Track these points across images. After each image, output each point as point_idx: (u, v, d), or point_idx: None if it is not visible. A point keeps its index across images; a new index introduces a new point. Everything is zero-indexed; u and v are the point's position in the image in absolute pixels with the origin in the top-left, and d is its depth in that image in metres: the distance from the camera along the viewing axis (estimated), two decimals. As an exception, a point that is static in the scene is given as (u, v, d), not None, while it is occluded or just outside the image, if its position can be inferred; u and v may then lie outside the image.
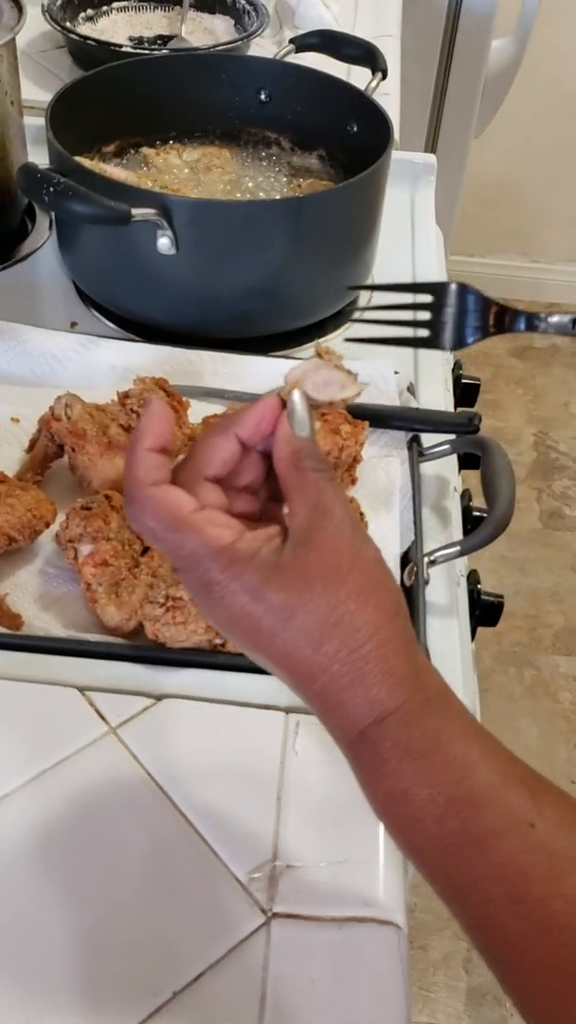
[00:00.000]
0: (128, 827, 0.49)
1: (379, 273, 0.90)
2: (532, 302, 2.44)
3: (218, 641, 0.56)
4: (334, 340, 0.85)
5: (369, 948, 0.45)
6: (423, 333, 0.62)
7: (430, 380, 0.81)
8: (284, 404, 0.41)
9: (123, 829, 0.48)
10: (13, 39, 0.84)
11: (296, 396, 0.41)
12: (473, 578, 0.70)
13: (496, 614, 0.72)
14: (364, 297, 0.88)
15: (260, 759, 0.52)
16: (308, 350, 0.83)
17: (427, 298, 0.65)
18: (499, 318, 0.60)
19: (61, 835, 0.48)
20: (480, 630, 0.70)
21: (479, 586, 0.69)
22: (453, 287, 0.66)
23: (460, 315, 0.70)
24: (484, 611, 0.71)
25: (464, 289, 0.67)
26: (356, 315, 0.73)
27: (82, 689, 0.54)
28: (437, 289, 0.67)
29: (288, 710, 0.54)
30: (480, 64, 1.61)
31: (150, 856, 0.47)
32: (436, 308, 0.67)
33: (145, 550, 0.61)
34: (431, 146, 1.65)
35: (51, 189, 0.70)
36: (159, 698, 0.54)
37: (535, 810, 0.36)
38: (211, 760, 0.52)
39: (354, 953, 0.44)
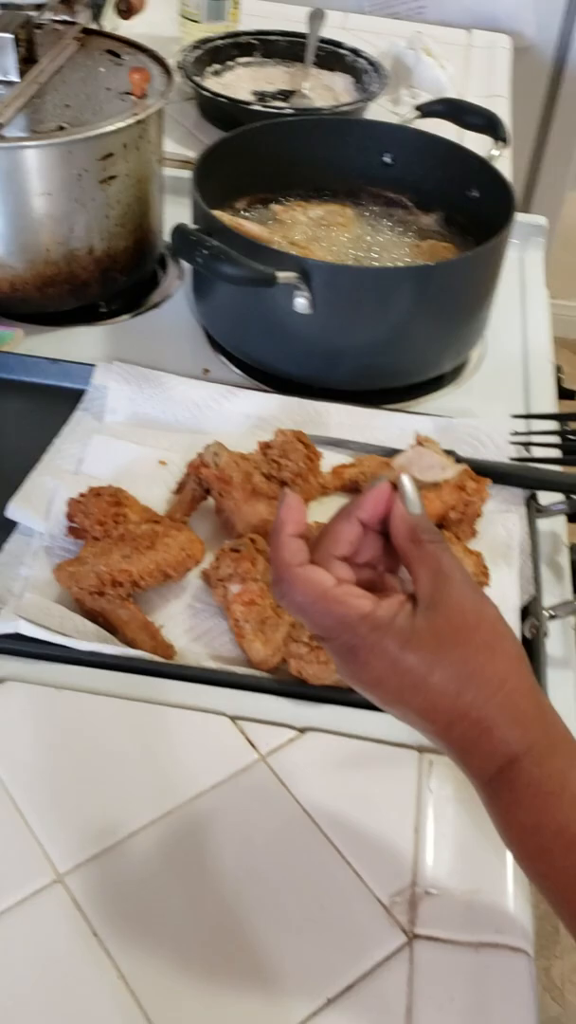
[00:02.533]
0: (279, 848, 0.53)
1: (492, 331, 0.95)
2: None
3: (355, 680, 0.61)
4: (449, 395, 0.90)
5: (502, 971, 0.49)
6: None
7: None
8: (395, 487, 0.47)
9: (275, 849, 0.53)
10: (162, 107, 0.90)
11: (406, 480, 0.47)
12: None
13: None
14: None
15: (397, 793, 0.56)
16: (423, 403, 0.88)
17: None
18: None
19: (218, 852, 0.53)
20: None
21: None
22: None
23: None
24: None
25: None
26: (516, 439, 0.82)
27: (234, 718, 0.59)
28: None
29: (421, 749, 0.58)
30: (580, 118, 1.65)
31: (301, 876, 0.52)
32: None
33: (286, 591, 0.66)
34: (527, 196, 1.69)
35: (204, 252, 0.76)
36: (303, 730, 0.59)
37: None
38: (352, 791, 0.56)
39: (489, 976, 0.49)
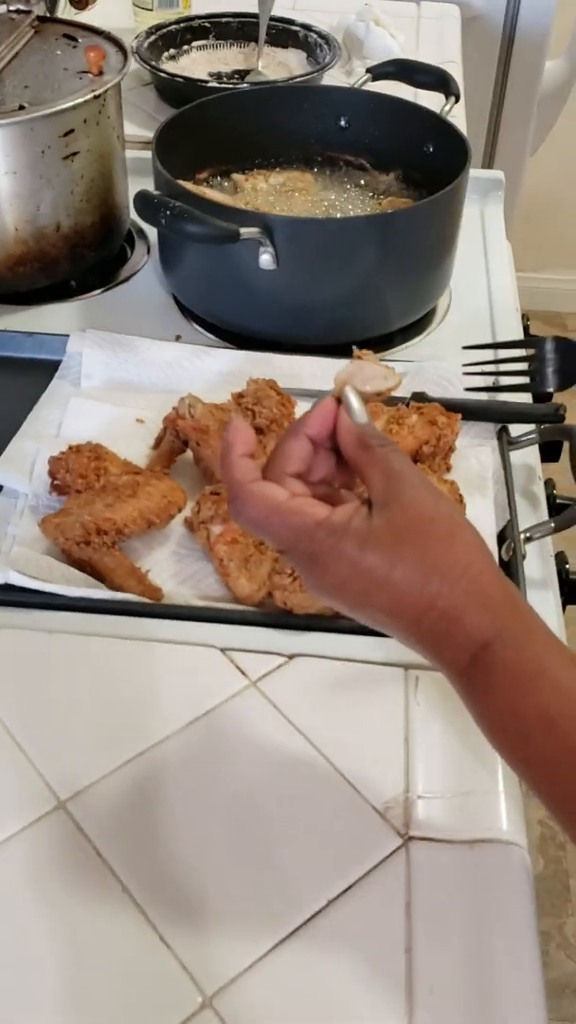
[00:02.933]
0: (274, 766, 0.55)
1: (456, 282, 0.97)
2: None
3: (339, 608, 0.63)
4: (418, 344, 0.92)
5: (497, 865, 0.51)
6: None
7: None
8: (339, 402, 0.48)
9: (270, 767, 0.55)
10: (119, 82, 0.92)
11: (348, 391, 0.48)
12: (561, 558, 0.75)
13: (583, 591, 0.78)
14: (441, 313, 0.95)
15: (386, 708, 0.58)
16: (394, 353, 0.90)
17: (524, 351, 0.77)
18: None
19: (215, 773, 0.55)
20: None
21: (567, 566, 0.75)
22: (549, 343, 0.78)
23: (561, 362, 0.80)
24: (573, 588, 0.77)
25: (559, 341, 0.79)
26: (467, 369, 0.83)
27: (223, 649, 0.61)
28: (537, 343, 0.79)
29: (407, 666, 0.60)
30: (534, 84, 1.67)
31: (297, 790, 0.54)
32: (538, 359, 0.79)
33: (268, 530, 0.67)
34: (488, 163, 1.71)
35: (167, 212, 0.78)
36: (291, 656, 0.61)
37: None
38: (342, 710, 0.58)
39: (485, 869, 0.50)
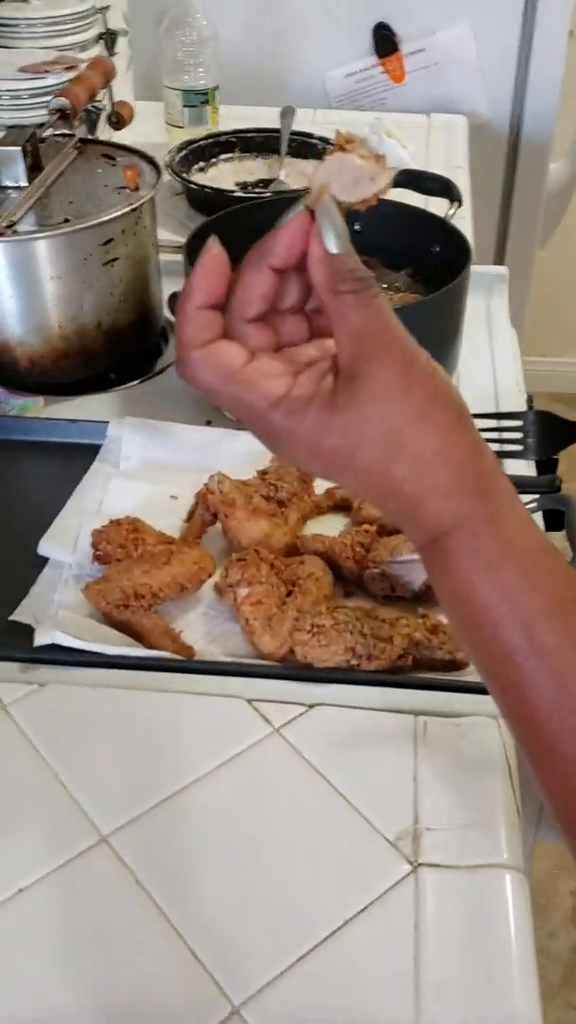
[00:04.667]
0: (295, 803, 0.61)
1: (464, 365, 1.05)
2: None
3: (354, 661, 0.69)
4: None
5: (498, 887, 0.55)
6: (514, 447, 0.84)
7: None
8: (314, 216, 0.38)
9: (291, 804, 0.60)
10: (153, 195, 1.03)
11: (326, 204, 0.38)
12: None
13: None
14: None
15: (397, 749, 0.63)
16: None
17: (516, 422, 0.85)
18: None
19: (242, 810, 0.60)
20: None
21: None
22: (531, 415, 0.86)
23: (542, 433, 0.88)
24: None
25: (541, 415, 0.87)
26: None
27: (249, 700, 0.67)
28: (521, 416, 0.87)
29: (416, 713, 0.66)
30: (540, 184, 1.79)
31: (316, 824, 0.59)
32: (524, 430, 0.86)
33: (289, 592, 0.74)
34: (499, 258, 1.82)
35: (198, 311, 0.87)
36: (311, 706, 0.67)
37: None
38: (357, 752, 0.64)
39: (487, 892, 0.55)
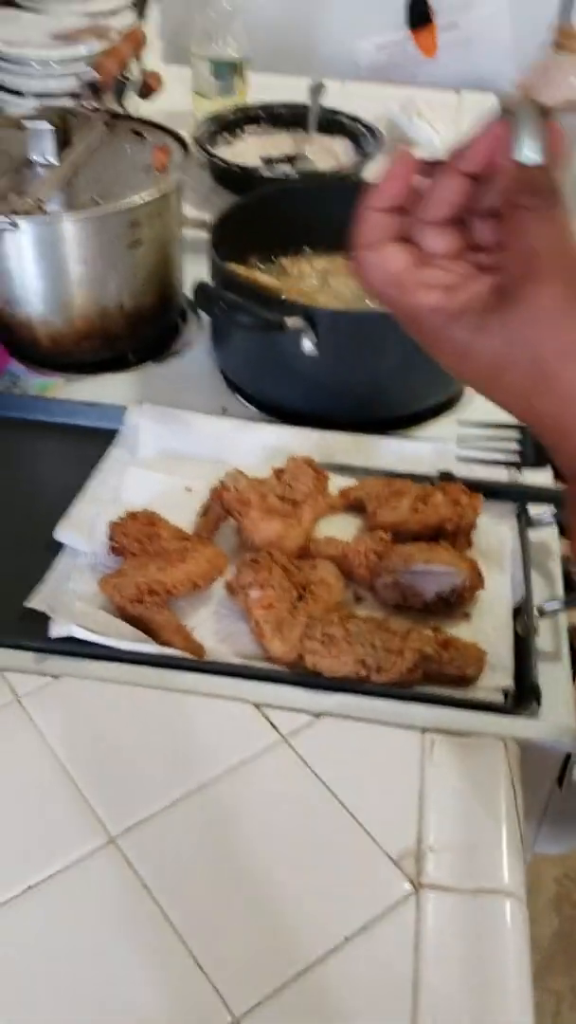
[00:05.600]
0: (301, 814, 0.61)
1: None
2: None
3: (363, 673, 0.69)
4: (443, 423, 0.99)
5: (497, 914, 0.56)
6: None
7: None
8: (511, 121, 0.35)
9: (298, 815, 0.61)
10: (181, 178, 1.01)
11: (523, 108, 0.35)
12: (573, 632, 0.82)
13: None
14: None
15: (403, 766, 0.64)
16: (424, 429, 0.97)
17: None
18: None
19: (248, 818, 0.61)
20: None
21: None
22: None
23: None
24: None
25: None
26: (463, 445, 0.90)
27: (257, 704, 0.68)
28: (519, 426, 0.86)
29: (424, 729, 0.66)
30: (568, 165, 1.76)
31: (320, 838, 0.60)
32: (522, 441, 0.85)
33: (300, 596, 0.74)
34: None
35: (223, 305, 0.86)
36: (319, 715, 0.67)
37: None
38: (364, 766, 0.64)
39: (486, 917, 0.56)
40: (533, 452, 0.90)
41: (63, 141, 0.99)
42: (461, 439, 0.92)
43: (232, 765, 0.64)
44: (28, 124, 0.95)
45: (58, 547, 0.80)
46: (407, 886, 0.58)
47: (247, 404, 1.00)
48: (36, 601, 0.75)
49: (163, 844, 0.60)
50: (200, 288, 0.88)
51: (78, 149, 1.00)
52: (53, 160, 0.97)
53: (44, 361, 1.01)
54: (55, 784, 0.62)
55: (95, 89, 1.08)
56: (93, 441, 0.92)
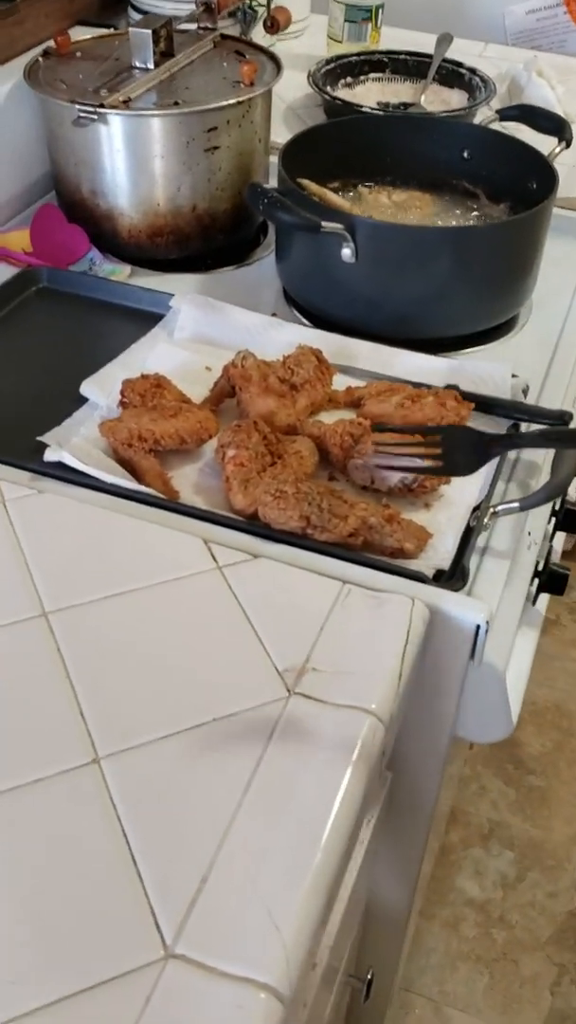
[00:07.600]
0: (216, 629, 0.68)
1: (537, 308, 1.07)
2: None
3: (308, 530, 0.75)
4: (489, 350, 1.02)
5: (353, 725, 0.62)
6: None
7: (556, 385, 0.97)
8: None
9: (212, 628, 0.68)
10: (270, 91, 1.09)
11: None
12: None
13: (560, 584, 0.87)
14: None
15: (317, 605, 0.70)
16: (465, 353, 1.01)
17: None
18: (489, 447, 0.81)
19: (167, 621, 0.69)
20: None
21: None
22: (456, 431, 0.81)
23: (463, 448, 0.80)
24: (550, 578, 0.86)
25: (456, 429, 0.82)
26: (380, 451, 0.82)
27: (206, 540, 0.75)
28: (443, 430, 0.81)
29: (344, 580, 0.72)
30: None
31: (224, 643, 0.67)
32: (445, 444, 0.79)
33: (272, 464, 0.81)
34: None
35: (265, 200, 0.93)
36: (256, 556, 0.74)
37: None
38: (282, 600, 0.71)
39: (342, 726, 0.62)
40: (462, 459, 0.81)
41: (165, 51, 1.08)
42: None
43: (168, 579, 0.72)
44: (131, 31, 1.05)
45: (83, 401, 0.90)
46: (283, 691, 0.64)
47: (297, 314, 1.07)
48: (47, 436, 0.85)
49: (89, 625, 0.68)
50: (252, 185, 0.95)
51: (179, 60, 1.09)
52: (151, 66, 1.07)
53: (120, 253, 1.11)
54: (11, 566, 0.72)
55: (210, 9, 1.17)
56: (144, 322, 1.01)
